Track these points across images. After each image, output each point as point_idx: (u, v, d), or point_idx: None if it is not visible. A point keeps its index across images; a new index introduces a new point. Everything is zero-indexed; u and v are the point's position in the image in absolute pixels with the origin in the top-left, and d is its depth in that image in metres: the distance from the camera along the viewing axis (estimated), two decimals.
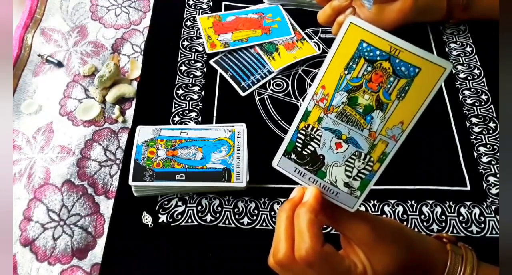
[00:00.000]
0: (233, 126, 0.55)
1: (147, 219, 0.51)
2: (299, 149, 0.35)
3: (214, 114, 0.58)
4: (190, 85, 0.61)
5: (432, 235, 0.44)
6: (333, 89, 0.32)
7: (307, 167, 0.35)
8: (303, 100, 0.60)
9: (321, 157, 0.34)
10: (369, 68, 0.30)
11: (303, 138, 0.34)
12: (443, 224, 0.51)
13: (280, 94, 0.61)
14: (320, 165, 0.35)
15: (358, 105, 0.32)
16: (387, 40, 0.29)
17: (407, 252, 0.37)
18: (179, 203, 0.52)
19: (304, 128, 0.34)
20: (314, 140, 0.34)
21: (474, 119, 0.59)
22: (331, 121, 0.33)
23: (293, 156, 0.35)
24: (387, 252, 0.36)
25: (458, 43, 0.67)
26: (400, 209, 0.52)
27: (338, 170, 0.34)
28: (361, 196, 0.34)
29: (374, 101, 0.31)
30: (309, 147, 0.34)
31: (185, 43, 0.65)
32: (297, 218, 0.34)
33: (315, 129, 0.34)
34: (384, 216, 0.52)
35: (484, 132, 0.58)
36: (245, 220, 0.51)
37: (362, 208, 0.52)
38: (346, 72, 0.31)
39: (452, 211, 0.52)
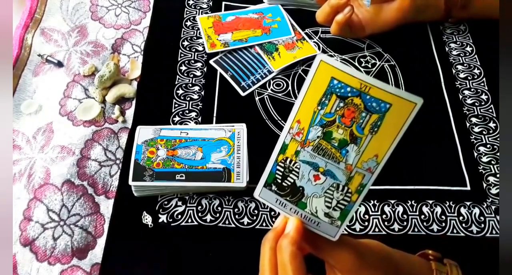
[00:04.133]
0: (233, 126, 0.55)
1: (147, 219, 0.51)
2: (279, 181, 0.35)
3: (214, 114, 0.58)
4: (190, 85, 0.61)
5: (418, 252, 0.44)
6: (308, 124, 0.33)
7: (288, 198, 0.35)
8: None
9: (301, 188, 0.35)
10: (341, 104, 0.31)
11: (282, 170, 0.35)
12: (443, 224, 0.51)
13: (280, 94, 0.61)
14: (300, 196, 0.35)
15: (333, 139, 0.32)
16: (357, 78, 0.30)
17: None
18: (179, 203, 0.52)
19: (282, 161, 0.34)
20: (293, 172, 0.34)
21: (474, 119, 0.59)
22: (308, 155, 0.33)
23: (273, 187, 0.36)
24: None
25: (458, 43, 0.67)
26: (400, 209, 0.52)
27: (317, 201, 0.35)
28: (342, 225, 0.35)
29: (348, 136, 0.32)
30: (289, 178, 0.35)
31: (185, 43, 0.65)
32: (279, 250, 0.35)
33: (293, 162, 0.34)
34: (384, 216, 0.52)
35: (484, 132, 0.58)
36: (245, 220, 0.51)
37: (363, 208, 0.52)
38: (319, 107, 0.32)
39: (452, 211, 0.52)
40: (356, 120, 0.31)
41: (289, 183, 0.35)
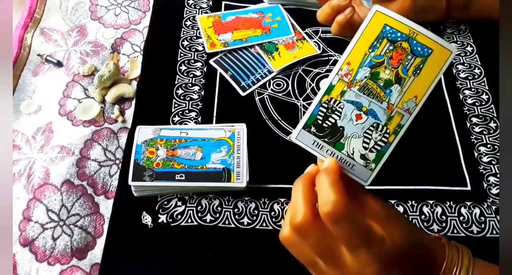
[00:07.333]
0: (233, 126, 0.55)
1: (147, 219, 0.50)
2: (320, 122, 0.38)
3: (214, 114, 0.58)
4: (190, 85, 0.61)
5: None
6: (357, 65, 0.36)
7: (326, 139, 0.38)
8: (304, 99, 0.60)
9: (341, 128, 0.37)
10: (391, 47, 0.36)
11: (324, 110, 0.37)
12: (444, 224, 0.51)
13: (280, 94, 0.60)
14: (339, 137, 0.37)
15: (380, 79, 0.36)
16: (407, 25, 0.35)
17: (416, 237, 0.37)
18: (179, 203, 0.52)
19: (326, 101, 0.37)
20: (336, 112, 0.37)
21: (474, 119, 0.59)
22: (354, 94, 0.37)
23: (312, 129, 0.38)
24: (399, 230, 0.36)
25: (458, 43, 0.67)
26: (400, 209, 0.52)
27: (356, 142, 0.37)
28: (375, 169, 0.37)
29: (394, 76, 0.36)
30: (330, 119, 0.37)
31: (185, 42, 0.65)
32: (319, 180, 0.35)
33: (337, 102, 0.37)
34: None
35: (484, 132, 0.58)
36: (245, 220, 0.51)
37: None
38: (370, 50, 0.36)
39: (453, 211, 0.52)
40: (402, 62, 0.36)
41: (330, 124, 0.37)
